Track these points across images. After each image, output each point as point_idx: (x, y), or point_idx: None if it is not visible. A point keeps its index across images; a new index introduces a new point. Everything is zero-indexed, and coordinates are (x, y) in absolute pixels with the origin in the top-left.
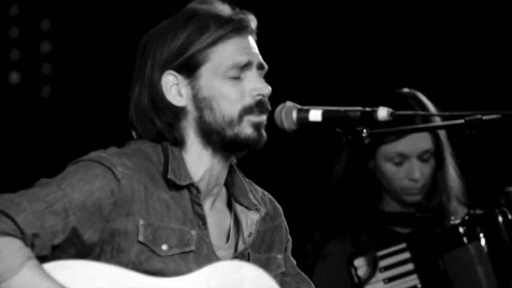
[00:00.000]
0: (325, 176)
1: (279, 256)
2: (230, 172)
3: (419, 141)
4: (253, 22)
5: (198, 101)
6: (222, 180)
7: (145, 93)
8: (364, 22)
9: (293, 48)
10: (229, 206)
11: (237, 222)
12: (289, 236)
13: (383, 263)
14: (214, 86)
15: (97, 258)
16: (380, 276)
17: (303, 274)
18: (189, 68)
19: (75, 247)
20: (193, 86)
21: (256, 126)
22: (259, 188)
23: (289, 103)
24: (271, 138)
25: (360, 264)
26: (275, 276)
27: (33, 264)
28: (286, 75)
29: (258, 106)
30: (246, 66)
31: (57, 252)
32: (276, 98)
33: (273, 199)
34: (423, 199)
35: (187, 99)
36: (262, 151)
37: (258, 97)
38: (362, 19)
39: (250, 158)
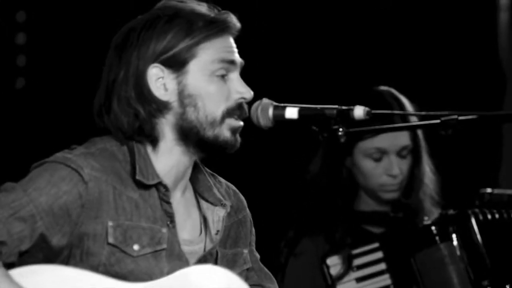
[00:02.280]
0: (300, 174)
1: (245, 251)
2: (194, 168)
3: (398, 137)
4: (237, 23)
5: (183, 97)
6: (188, 174)
7: (130, 83)
8: (342, 20)
9: (270, 45)
10: (197, 200)
11: (203, 218)
12: (253, 229)
13: (355, 262)
14: (201, 84)
15: (66, 261)
16: (352, 275)
17: (265, 269)
18: (176, 63)
19: (43, 252)
20: (180, 81)
21: (234, 131)
22: (222, 180)
23: (265, 100)
24: (246, 135)
25: (333, 263)
26: (241, 272)
27: (0, 273)
28: (262, 72)
29: (239, 109)
30: (231, 64)
31: (24, 257)
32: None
33: (237, 191)
34: (400, 196)
35: (172, 94)
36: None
37: (240, 100)
38: (340, 18)
39: (225, 154)
